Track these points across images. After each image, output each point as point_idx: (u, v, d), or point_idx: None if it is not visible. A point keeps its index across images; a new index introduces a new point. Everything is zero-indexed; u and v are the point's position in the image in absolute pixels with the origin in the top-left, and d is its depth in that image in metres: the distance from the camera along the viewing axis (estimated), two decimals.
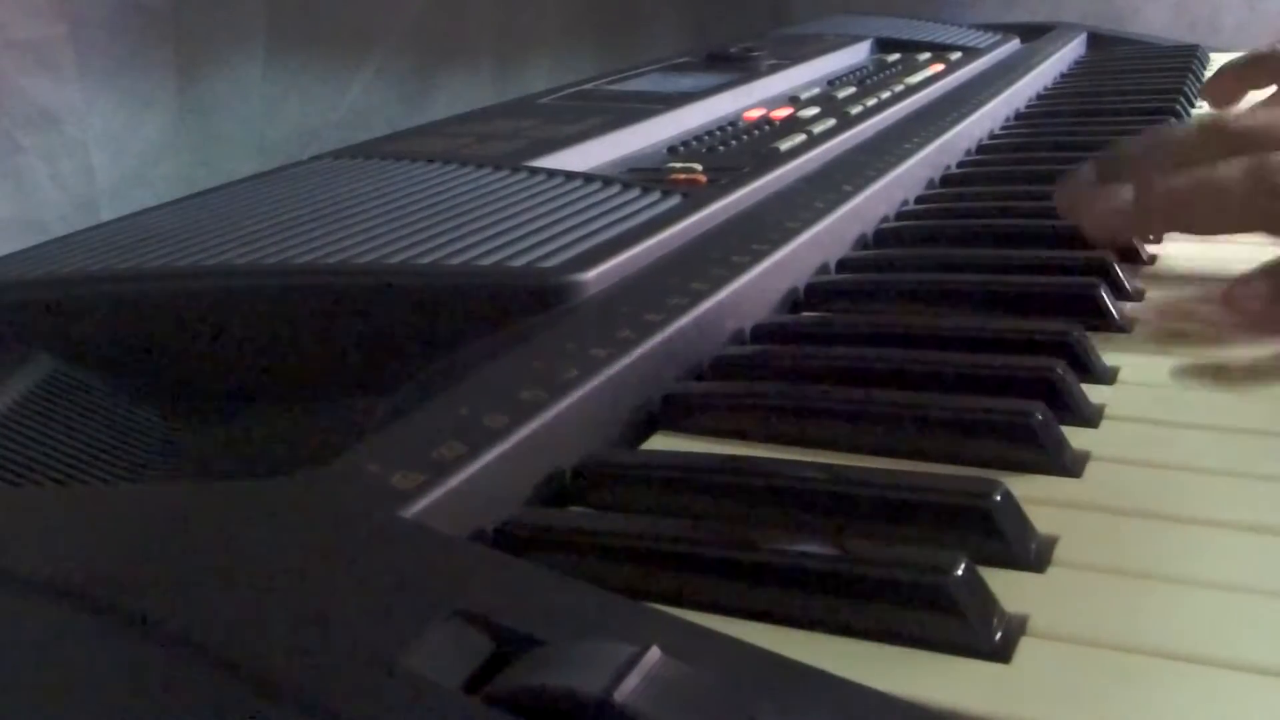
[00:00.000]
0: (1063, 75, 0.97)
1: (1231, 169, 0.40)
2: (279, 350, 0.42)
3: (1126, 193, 0.42)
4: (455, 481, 0.28)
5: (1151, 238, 0.47)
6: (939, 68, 0.87)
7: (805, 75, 0.86)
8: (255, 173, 0.62)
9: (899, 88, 0.78)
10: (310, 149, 0.84)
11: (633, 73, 0.85)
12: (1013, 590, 0.26)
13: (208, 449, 0.41)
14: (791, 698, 0.21)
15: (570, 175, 0.53)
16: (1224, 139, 0.42)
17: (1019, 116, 0.81)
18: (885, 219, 0.56)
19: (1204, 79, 0.93)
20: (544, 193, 0.50)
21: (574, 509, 0.32)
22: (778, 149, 0.59)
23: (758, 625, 0.25)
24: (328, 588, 0.23)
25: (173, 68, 0.82)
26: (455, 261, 0.42)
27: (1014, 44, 1.02)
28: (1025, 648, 0.24)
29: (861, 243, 0.53)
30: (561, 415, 0.32)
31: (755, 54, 0.88)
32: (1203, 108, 0.80)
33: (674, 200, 0.50)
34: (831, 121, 0.66)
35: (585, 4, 1.25)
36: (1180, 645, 0.24)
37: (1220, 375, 0.36)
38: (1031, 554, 0.28)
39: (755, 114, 0.71)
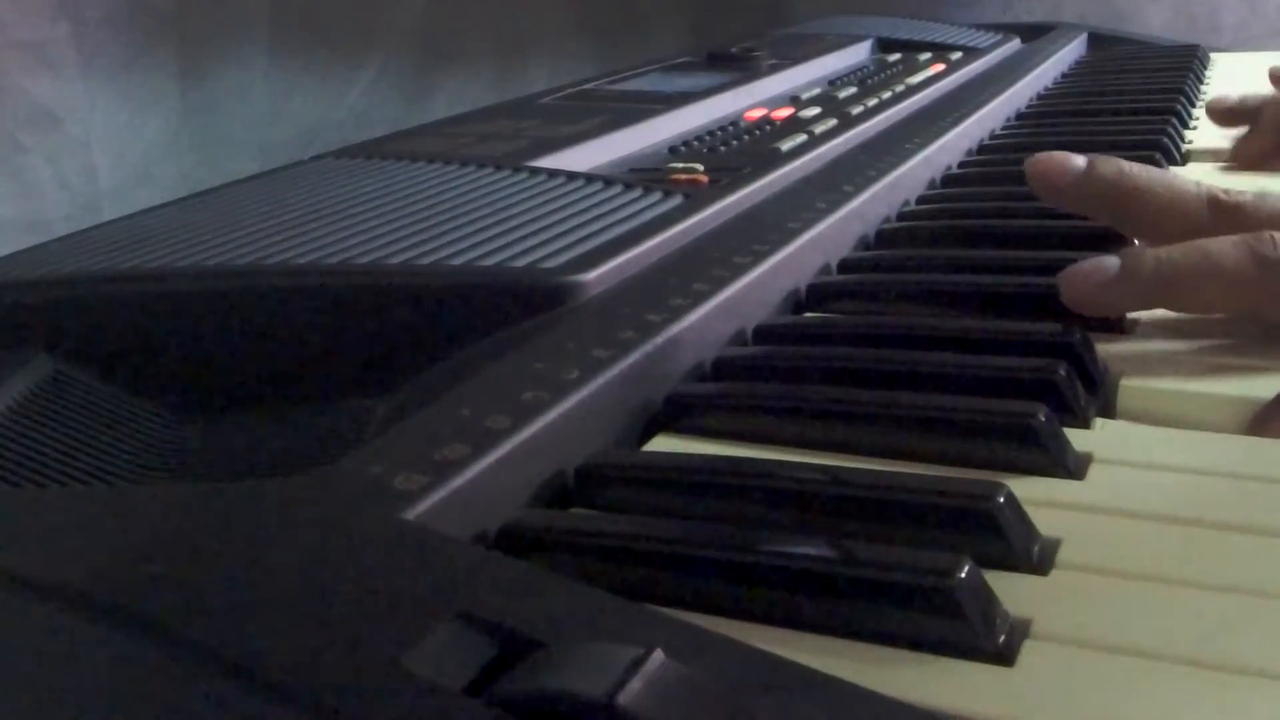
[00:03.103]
0: (1063, 75, 0.97)
1: (1225, 244, 0.39)
2: (280, 351, 0.42)
3: (1113, 263, 0.40)
4: (458, 483, 0.28)
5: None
6: (940, 68, 0.87)
7: (806, 75, 0.86)
8: (257, 172, 0.62)
9: (900, 88, 0.78)
10: (312, 149, 0.84)
11: (633, 73, 0.85)
12: (1016, 593, 0.26)
13: (209, 450, 0.41)
14: (794, 701, 0.21)
15: (571, 175, 0.53)
16: (1219, 213, 0.42)
17: (1020, 117, 0.81)
18: (886, 219, 0.56)
19: (1204, 79, 0.93)
20: (545, 193, 0.50)
21: (576, 511, 0.32)
22: (779, 149, 0.59)
23: (760, 628, 0.25)
24: (330, 589, 0.23)
25: (175, 68, 0.82)
26: (457, 262, 0.42)
27: (1014, 44, 1.02)
28: (1028, 651, 0.24)
29: (863, 243, 0.53)
30: (564, 416, 0.32)
31: (756, 54, 0.88)
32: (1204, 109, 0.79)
33: (675, 200, 0.50)
34: (833, 121, 0.66)
35: (585, 4, 1.25)
36: (1184, 649, 0.24)
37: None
38: (1034, 557, 0.28)
39: (756, 114, 0.71)
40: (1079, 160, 0.43)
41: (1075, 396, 0.35)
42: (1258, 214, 0.41)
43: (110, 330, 0.44)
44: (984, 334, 0.39)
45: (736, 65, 0.85)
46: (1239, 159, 0.69)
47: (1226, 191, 0.43)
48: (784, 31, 1.11)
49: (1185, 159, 0.68)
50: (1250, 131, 0.69)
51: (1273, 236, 0.39)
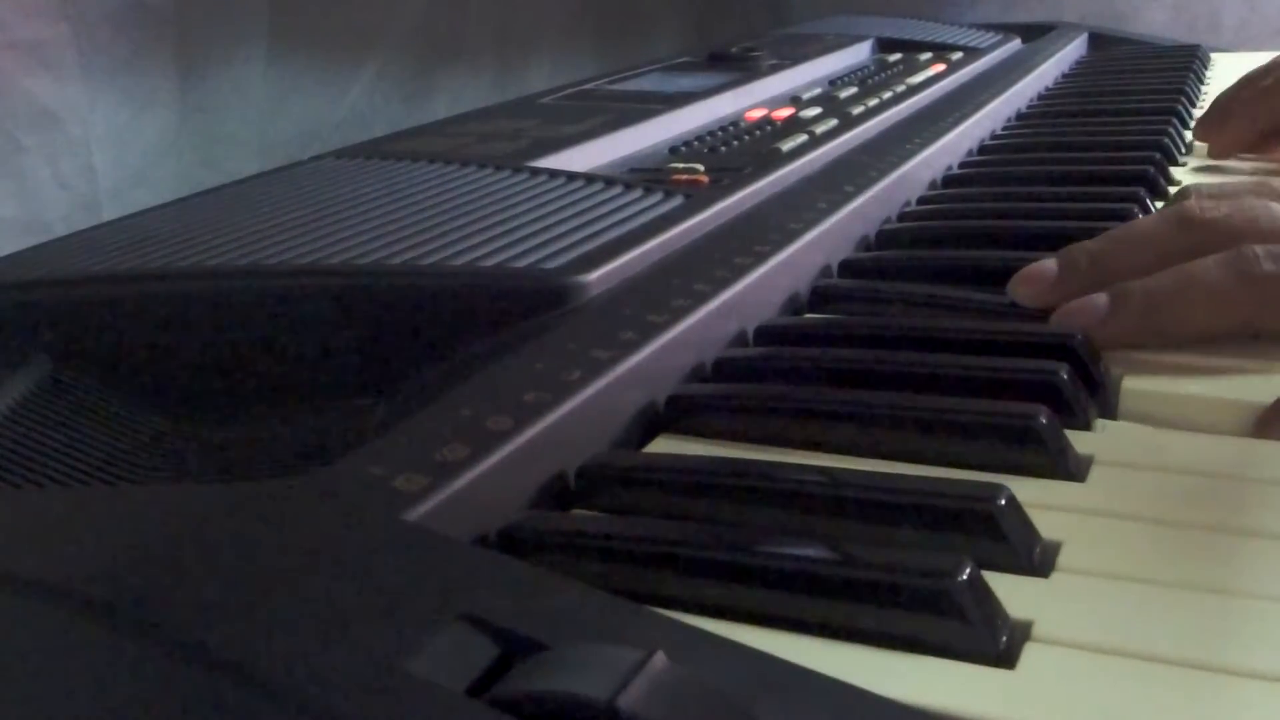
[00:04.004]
0: (1064, 75, 0.97)
1: (1209, 264, 0.39)
2: (281, 351, 0.42)
3: (1101, 300, 0.40)
4: (458, 484, 0.28)
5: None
6: (940, 68, 0.87)
7: (807, 75, 0.86)
8: (257, 172, 0.62)
9: (900, 88, 0.78)
10: (311, 149, 0.84)
11: (633, 73, 0.85)
12: (1017, 595, 0.26)
13: (209, 451, 0.41)
14: (795, 703, 0.21)
15: (572, 176, 0.53)
16: (1193, 233, 0.41)
17: (1020, 117, 0.81)
18: (887, 220, 0.56)
19: (1204, 79, 0.93)
20: (546, 193, 0.50)
21: (577, 512, 0.32)
22: (780, 149, 0.59)
23: (761, 629, 0.25)
24: (331, 591, 0.23)
25: (174, 67, 0.82)
26: (458, 262, 0.42)
27: (1015, 44, 1.02)
28: (1030, 653, 0.24)
29: (864, 244, 0.53)
30: (565, 417, 0.32)
31: (756, 54, 0.88)
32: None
33: (676, 201, 0.50)
34: (833, 122, 0.66)
35: (585, 4, 1.25)
36: (1186, 651, 0.24)
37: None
38: (1035, 559, 0.28)
39: (757, 114, 0.71)
40: (1049, 265, 0.43)
41: (1077, 398, 0.35)
42: (1233, 227, 0.41)
43: (110, 330, 0.44)
44: (985, 335, 0.39)
45: (737, 65, 0.85)
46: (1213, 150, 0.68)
47: (1202, 207, 0.42)
48: (784, 31, 1.11)
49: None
50: (1225, 123, 0.69)
51: (1254, 250, 0.39)
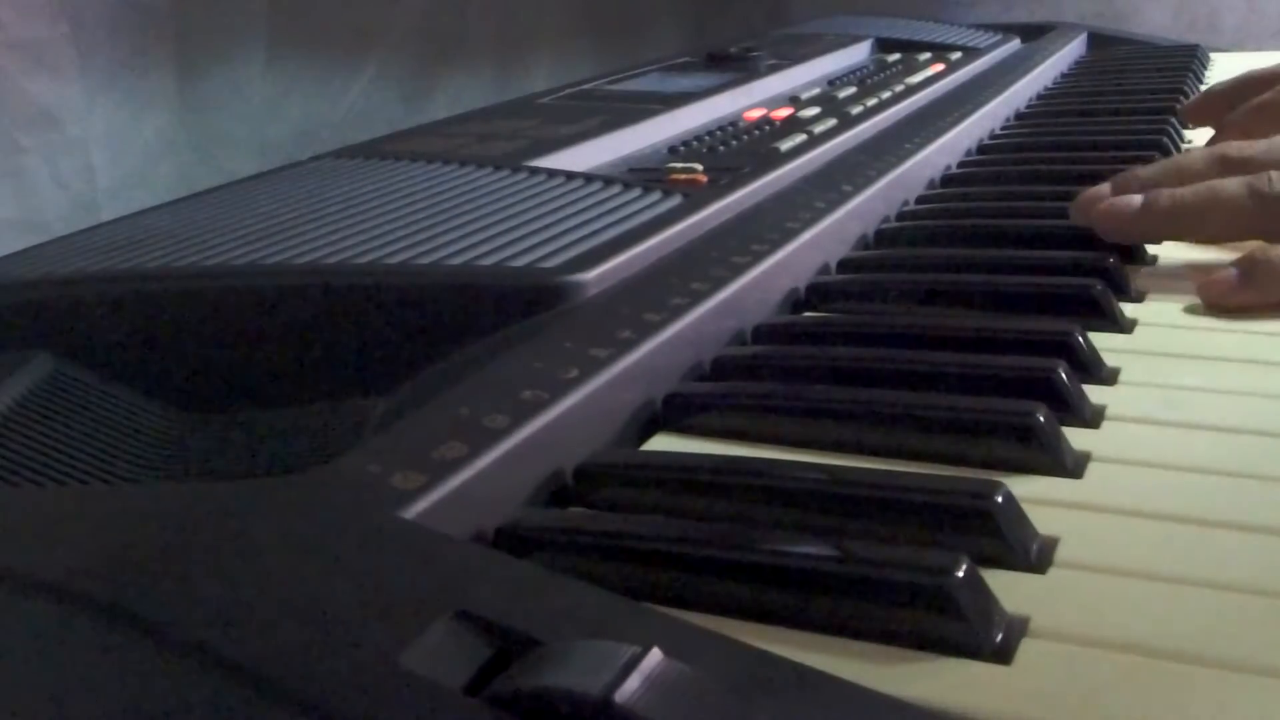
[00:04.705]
0: (1063, 75, 0.97)
1: (1231, 182, 0.47)
2: (279, 350, 0.42)
3: (1135, 200, 0.47)
4: (456, 482, 0.28)
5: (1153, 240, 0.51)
6: (939, 68, 0.87)
7: (805, 75, 0.86)
8: (255, 172, 0.62)
9: (899, 88, 0.78)
10: (310, 149, 0.84)
11: (633, 73, 0.85)
12: (1014, 591, 0.26)
13: (208, 449, 0.41)
14: (792, 699, 0.21)
15: (570, 175, 0.53)
16: (1227, 164, 0.48)
17: (1019, 116, 0.81)
18: (886, 219, 0.56)
19: (1204, 79, 0.93)
20: (544, 193, 0.50)
21: (575, 510, 0.32)
22: (778, 149, 0.59)
23: (758, 626, 0.25)
24: (328, 588, 0.23)
25: (173, 67, 0.82)
26: (456, 261, 0.42)
27: (1014, 44, 1.02)
28: (1026, 649, 0.24)
29: (862, 243, 0.53)
30: (562, 416, 0.32)
31: (755, 54, 0.88)
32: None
33: (674, 200, 0.50)
34: (832, 121, 0.66)
35: (585, 4, 1.25)
36: (1182, 646, 0.24)
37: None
38: (1032, 555, 0.28)
39: (756, 114, 0.71)
40: (1104, 188, 0.50)
41: (1074, 395, 0.35)
42: (1266, 159, 0.48)
43: (109, 330, 0.44)
44: (983, 333, 0.39)
45: (736, 65, 0.85)
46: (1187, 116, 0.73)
47: (1239, 147, 0.49)
48: (784, 31, 1.11)
49: None
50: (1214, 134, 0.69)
51: (1269, 176, 0.45)
